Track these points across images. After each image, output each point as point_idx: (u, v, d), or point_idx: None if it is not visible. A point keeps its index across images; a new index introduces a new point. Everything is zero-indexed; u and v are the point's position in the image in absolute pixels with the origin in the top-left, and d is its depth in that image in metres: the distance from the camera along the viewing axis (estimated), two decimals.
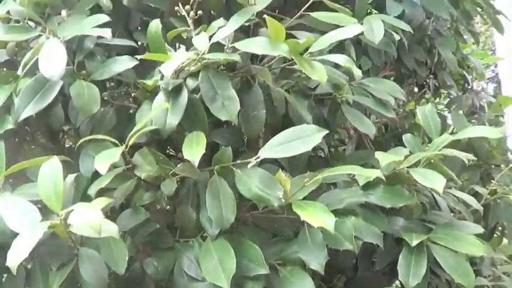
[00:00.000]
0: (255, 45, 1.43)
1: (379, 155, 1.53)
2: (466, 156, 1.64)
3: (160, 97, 1.47)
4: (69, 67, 1.52)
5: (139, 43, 1.86)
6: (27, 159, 1.43)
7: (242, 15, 1.50)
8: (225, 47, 1.51)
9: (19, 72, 1.48)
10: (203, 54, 1.46)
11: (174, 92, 1.46)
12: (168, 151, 1.80)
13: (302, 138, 1.38)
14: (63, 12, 1.64)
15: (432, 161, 1.61)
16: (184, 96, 1.45)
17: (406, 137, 1.72)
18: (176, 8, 1.67)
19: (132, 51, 1.70)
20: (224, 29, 1.49)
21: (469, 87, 2.80)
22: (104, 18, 1.58)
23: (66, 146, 1.94)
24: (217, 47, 1.50)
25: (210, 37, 1.50)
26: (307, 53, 1.52)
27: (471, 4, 2.49)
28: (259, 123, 1.57)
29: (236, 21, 1.49)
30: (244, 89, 1.58)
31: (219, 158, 1.49)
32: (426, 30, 2.29)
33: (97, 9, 1.72)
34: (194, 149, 1.36)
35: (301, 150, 1.36)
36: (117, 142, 1.42)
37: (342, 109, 1.75)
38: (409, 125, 2.59)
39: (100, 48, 1.66)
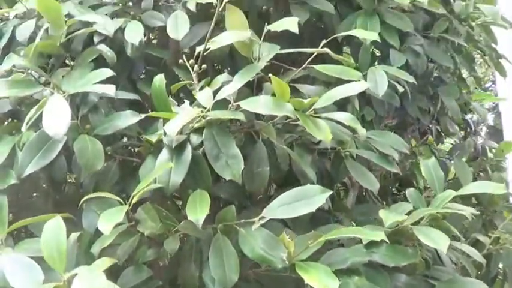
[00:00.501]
0: (260, 105, 1.43)
1: (382, 213, 1.52)
2: (471, 212, 1.63)
3: (164, 154, 1.47)
4: (73, 121, 1.52)
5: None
6: (30, 207, 1.43)
7: (247, 73, 1.51)
8: (230, 105, 1.51)
9: (23, 128, 1.48)
10: (207, 111, 1.47)
11: (178, 149, 1.46)
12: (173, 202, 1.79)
13: (306, 199, 1.38)
14: None
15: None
16: (188, 153, 1.45)
17: (410, 192, 1.71)
18: (180, 61, 1.69)
19: (136, 102, 1.71)
20: (229, 86, 1.49)
21: (472, 130, 2.80)
22: (108, 72, 1.59)
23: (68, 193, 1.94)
24: (221, 103, 1.51)
25: (215, 92, 1.51)
26: (311, 109, 1.52)
27: (473, 48, 2.51)
28: (263, 179, 1.58)
29: (241, 79, 1.50)
30: (248, 145, 1.59)
31: (222, 216, 1.49)
32: (429, 78, 2.30)
33: (101, 59, 1.73)
34: (198, 209, 1.36)
35: (305, 211, 1.36)
36: (120, 200, 1.41)
37: (345, 163, 1.75)
38: (411, 165, 2.59)
39: (103, 100, 1.67)
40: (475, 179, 2.34)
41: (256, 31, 1.57)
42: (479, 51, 2.59)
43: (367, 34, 1.80)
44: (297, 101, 1.46)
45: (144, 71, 1.94)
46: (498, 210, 2.39)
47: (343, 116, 1.53)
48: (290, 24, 1.54)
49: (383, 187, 2.39)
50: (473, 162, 2.69)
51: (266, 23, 1.55)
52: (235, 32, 1.54)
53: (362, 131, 1.54)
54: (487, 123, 4.66)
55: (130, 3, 2.00)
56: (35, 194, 1.92)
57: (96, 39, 1.78)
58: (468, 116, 2.87)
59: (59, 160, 1.61)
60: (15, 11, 1.85)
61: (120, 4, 1.95)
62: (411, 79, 1.88)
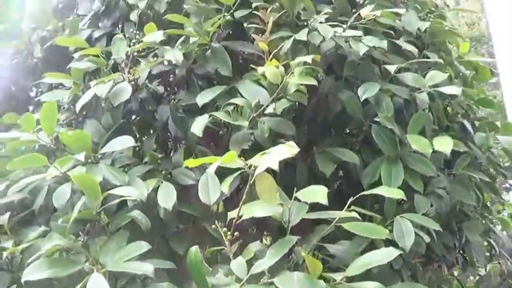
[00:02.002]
0: (295, 283, 1.46)
1: None
2: None
3: None
4: None
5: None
6: None
7: (281, 247, 1.55)
8: (264, 277, 1.55)
9: None
10: (243, 284, 1.50)
11: None
12: None
13: None
14: None
15: None
16: None
17: None
18: (213, 226, 1.74)
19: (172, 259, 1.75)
20: (265, 261, 1.52)
21: (497, 252, 2.80)
22: (145, 246, 1.64)
23: None
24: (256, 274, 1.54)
25: (248, 262, 1.55)
26: (342, 278, 1.54)
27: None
28: None
29: (276, 253, 1.53)
30: None
31: None
32: (453, 213, 2.33)
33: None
34: None
35: None
36: None
37: None
38: None
39: None
40: None
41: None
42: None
43: (393, 192, 1.84)
44: (330, 276, 1.49)
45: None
46: None
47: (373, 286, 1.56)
48: (319, 195, 1.58)
49: None
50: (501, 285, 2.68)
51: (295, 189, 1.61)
52: (268, 205, 1.59)
53: None
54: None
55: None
56: None
57: (130, 203, 1.84)
58: None
59: None
60: (49, 175, 1.91)
61: (151, 164, 2.01)
62: (437, 227, 1.91)
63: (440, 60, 2.24)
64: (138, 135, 2.29)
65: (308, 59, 1.88)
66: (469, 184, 2.30)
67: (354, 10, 2.39)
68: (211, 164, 1.55)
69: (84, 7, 2.55)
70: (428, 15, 2.72)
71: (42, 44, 2.52)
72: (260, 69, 1.95)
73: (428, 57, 2.40)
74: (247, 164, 1.54)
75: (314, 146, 2.24)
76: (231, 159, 1.54)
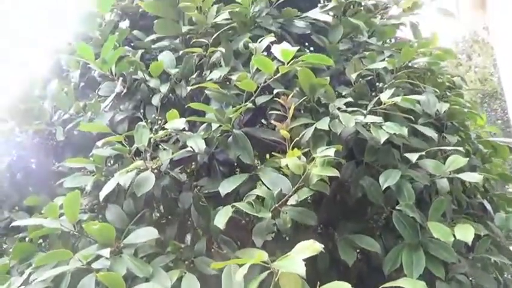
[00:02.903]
0: None
1: None
2: None
3: None
4: None
5: None
6: None
7: None
8: None
9: None
10: None
11: None
12: None
13: None
14: None
15: None
16: None
17: None
18: None
19: None
20: None
21: None
22: None
23: None
24: None
25: None
26: None
27: None
28: None
29: None
30: None
31: None
32: None
33: None
34: None
35: None
36: None
37: None
38: None
39: None
40: None
41: None
42: None
43: (416, 286, 1.82)
44: None
45: None
46: None
47: None
48: None
49: None
50: None
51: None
52: None
53: None
54: None
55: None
56: None
57: None
58: None
59: None
60: (73, 267, 1.92)
61: (174, 253, 2.02)
62: None
63: (461, 149, 2.24)
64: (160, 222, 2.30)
65: (331, 152, 1.90)
66: (489, 267, 2.28)
67: (373, 93, 2.42)
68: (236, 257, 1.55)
69: (105, 88, 2.58)
70: (446, 93, 2.76)
71: (64, 127, 2.55)
72: (283, 162, 1.96)
73: (447, 139, 2.42)
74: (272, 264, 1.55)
75: (334, 230, 2.24)
76: (260, 260, 1.55)
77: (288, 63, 2.15)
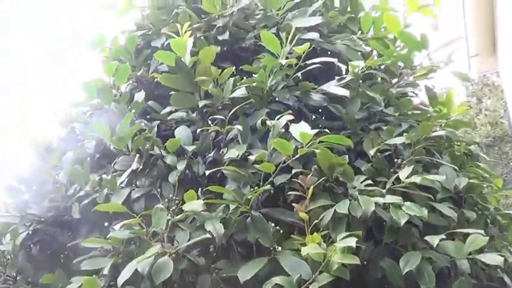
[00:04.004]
0: None
1: None
2: None
3: None
4: None
5: None
6: None
7: None
8: None
9: None
10: None
11: None
12: None
13: None
14: None
15: None
16: None
17: None
18: None
19: None
20: None
21: None
22: None
23: None
24: None
25: None
26: None
27: None
28: None
29: None
30: None
31: None
32: None
33: None
34: None
35: None
36: None
37: None
38: None
39: None
40: None
41: None
42: None
43: None
44: None
45: None
46: None
47: None
48: None
49: None
50: None
51: None
52: None
53: None
54: None
55: None
56: None
57: None
58: None
59: None
60: None
61: None
62: None
63: (482, 233, 2.20)
64: None
65: (352, 242, 1.88)
66: None
67: (391, 170, 2.41)
68: None
69: (121, 162, 2.57)
70: (464, 163, 2.74)
71: (80, 202, 2.53)
72: (303, 250, 1.94)
73: (466, 214, 2.40)
74: None
75: None
76: None
77: (306, 144, 2.14)
